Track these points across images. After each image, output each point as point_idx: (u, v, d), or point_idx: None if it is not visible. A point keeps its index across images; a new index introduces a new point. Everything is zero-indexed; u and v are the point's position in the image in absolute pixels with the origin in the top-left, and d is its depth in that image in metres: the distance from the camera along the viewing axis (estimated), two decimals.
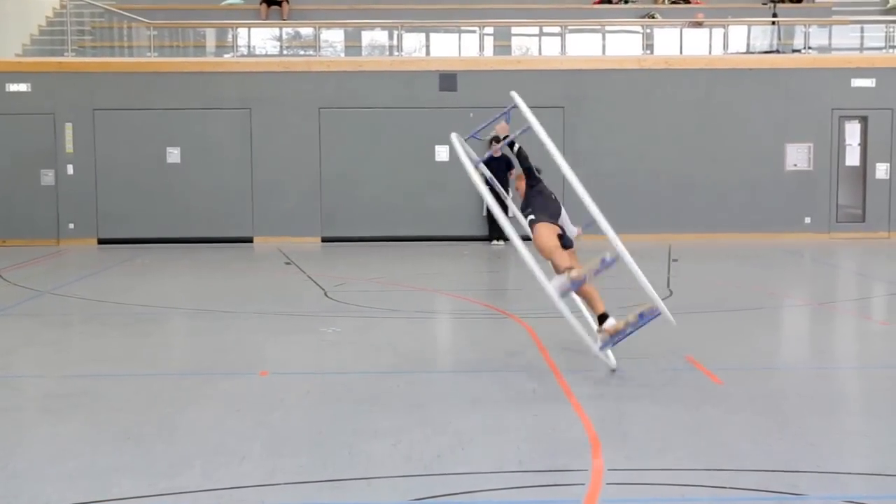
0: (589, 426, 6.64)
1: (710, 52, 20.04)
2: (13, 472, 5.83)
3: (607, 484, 5.55)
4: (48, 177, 18.97)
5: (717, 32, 20.10)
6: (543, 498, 5.48)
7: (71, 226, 19.09)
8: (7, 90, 18.88)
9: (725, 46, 20.10)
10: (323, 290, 13.04)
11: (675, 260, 16.01)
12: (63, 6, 20.69)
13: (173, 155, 19.05)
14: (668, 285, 13.33)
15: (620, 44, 20.12)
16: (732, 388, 7.74)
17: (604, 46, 19.92)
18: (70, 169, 18.92)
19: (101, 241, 19.02)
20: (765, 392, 7.69)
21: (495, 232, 18.78)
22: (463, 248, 18.09)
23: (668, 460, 5.96)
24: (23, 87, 18.88)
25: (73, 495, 5.44)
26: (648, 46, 20.13)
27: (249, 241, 19.17)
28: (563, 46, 19.78)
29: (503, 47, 20.30)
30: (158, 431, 6.68)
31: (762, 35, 20.40)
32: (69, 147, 18.94)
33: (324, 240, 19.19)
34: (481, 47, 20.00)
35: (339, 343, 9.63)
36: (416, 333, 10.33)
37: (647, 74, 19.37)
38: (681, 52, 19.98)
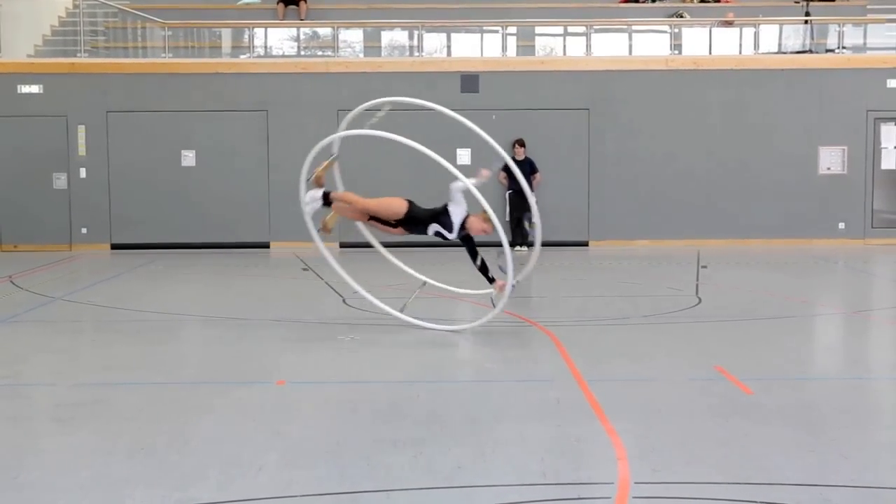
0: (615, 437, 6.52)
1: (740, 53, 19.81)
2: (24, 483, 5.77)
3: (634, 497, 5.45)
4: (60, 180, 18.81)
5: (748, 32, 19.89)
6: None
7: (84, 230, 18.88)
8: (19, 92, 18.73)
9: (756, 46, 19.89)
10: (341, 296, 12.89)
11: (704, 266, 15.86)
12: (76, 6, 20.61)
13: (188, 158, 18.85)
14: (697, 292, 13.19)
15: (647, 44, 19.93)
16: (763, 398, 7.61)
17: (630, 46, 19.71)
18: (83, 172, 18.77)
19: (115, 246, 18.81)
20: (797, 403, 7.58)
21: (518, 238, 18.47)
22: (485, 254, 17.71)
23: (697, 473, 5.86)
24: (35, 89, 18.71)
25: None
26: (676, 46, 19.87)
27: (266, 246, 18.92)
28: (588, 47, 19.56)
29: (527, 48, 20.13)
30: (172, 442, 6.57)
31: (794, 34, 20.21)
32: (82, 150, 18.79)
33: (342, 245, 18.90)
34: (504, 48, 19.77)
35: (358, 351, 9.54)
36: (437, 342, 10.12)
37: (675, 75, 19.10)
38: (710, 53, 19.72)
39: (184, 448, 6.41)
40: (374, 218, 10.27)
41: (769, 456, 6.12)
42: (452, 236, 10.13)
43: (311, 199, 10.40)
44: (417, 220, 10.11)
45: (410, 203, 10.12)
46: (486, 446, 6.34)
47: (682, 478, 5.74)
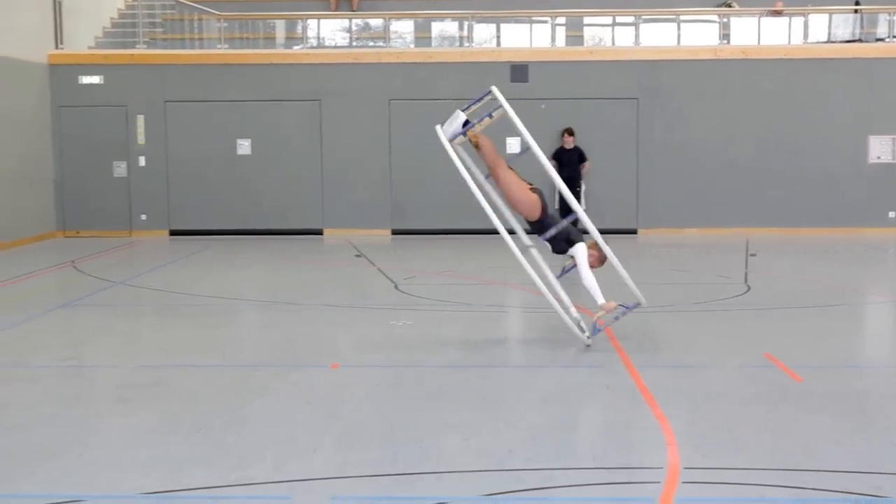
0: (664, 423, 6.52)
1: (789, 42, 19.51)
2: (89, 461, 5.90)
3: (683, 482, 5.45)
4: (120, 168, 19.13)
5: (797, 21, 19.58)
6: (617, 495, 5.37)
7: (143, 217, 19.23)
8: (80, 82, 19.03)
9: (805, 36, 19.58)
10: (393, 282, 13.00)
11: (752, 255, 15.76)
12: None
13: (244, 147, 19.11)
14: (746, 280, 13.10)
15: (696, 33, 19.71)
16: (813, 386, 7.56)
17: (679, 36, 19.53)
18: (142, 160, 19.06)
19: (173, 233, 19.13)
20: (846, 391, 7.51)
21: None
22: (535, 240, 17.80)
23: (746, 459, 5.85)
24: (95, 80, 19.03)
25: (148, 484, 5.48)
26: (725, 36, 19.69)
27: (319, 233, 19.14)
28: (636, 36, 19.47)
29: (575, 38, 20.04)
30: (229, 423, 6.70)
31: (844, 23, 19.85)
32: (141, 139, 19.07)
33: (394, 232, 19.11)
34: (553, 38, 19.73)
35: (410, 336, 9.57)
36: (488, 327, 10.23)
37: (723, 65, 18.97)
38: (759, 42, 19.49)
39: (241, 429, 6.53)
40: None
41: (819, 443, 6.09)
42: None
43: (453, 119, 9.03)
44: (538, 225, 9.11)
45: (543, 208, 9.03)
46: (537, 430, 6.38)
47: (731, 463, 5.73)
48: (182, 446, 6.16)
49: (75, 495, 5.29)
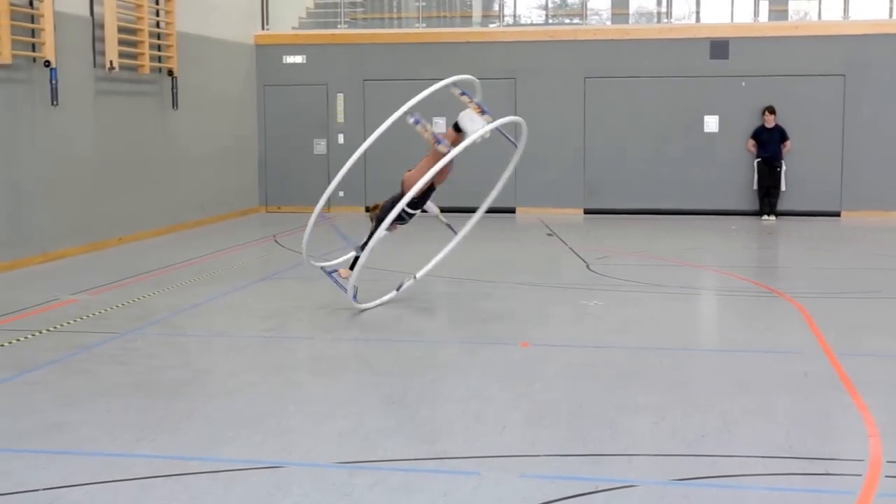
0: (866, 414, 6.25)
1: None
2: (286, 429, 6.07)
3: (886, 476, 5.20)
4: (320, 146, 19.68)
5: None
6: (815, 487, 5.15)
7: (341, 194, 19.68)
8: (284, 62, 19.67)
9: None
10: (585, 262, 12.92)
11: None
12: None
13: (437, 125, 19.28)
14: None
15: None
16: None
17: (891, 9, 18.56)
18: (341, 138, 19.53)
19: (367, 209, 19.52)
20: None
21: (766, 207, 18.05)
22: (730, 222, 17.45)
23: None
24: (298, 59, 19.64)
25: (342, 454, 5.60)
26: None
27: (512, 211, 19.20)
28: (845, 10, 18.63)
29: (779, 12, 19.36)
30: (422, 397, 6.83)
31: None
32: (340, 117, 19.56)
33: (586, 211, 18.99)
34: (756, 12, 19.11)
35: (601, 316, 9.53)
36: (680, 310, 10.06)
37: None
38: None
39: (433, 403, 6.66)
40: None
41: None
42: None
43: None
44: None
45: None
46: (730, 416, 6.24)
47: None
48: (375, 418, 6.28)
49: (275, 461, 5.45)
